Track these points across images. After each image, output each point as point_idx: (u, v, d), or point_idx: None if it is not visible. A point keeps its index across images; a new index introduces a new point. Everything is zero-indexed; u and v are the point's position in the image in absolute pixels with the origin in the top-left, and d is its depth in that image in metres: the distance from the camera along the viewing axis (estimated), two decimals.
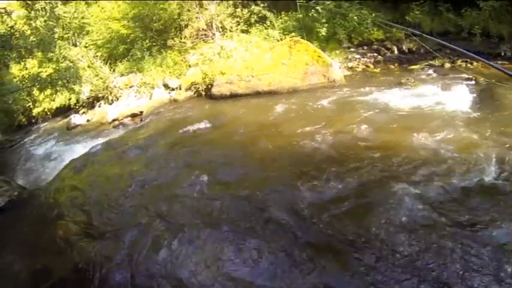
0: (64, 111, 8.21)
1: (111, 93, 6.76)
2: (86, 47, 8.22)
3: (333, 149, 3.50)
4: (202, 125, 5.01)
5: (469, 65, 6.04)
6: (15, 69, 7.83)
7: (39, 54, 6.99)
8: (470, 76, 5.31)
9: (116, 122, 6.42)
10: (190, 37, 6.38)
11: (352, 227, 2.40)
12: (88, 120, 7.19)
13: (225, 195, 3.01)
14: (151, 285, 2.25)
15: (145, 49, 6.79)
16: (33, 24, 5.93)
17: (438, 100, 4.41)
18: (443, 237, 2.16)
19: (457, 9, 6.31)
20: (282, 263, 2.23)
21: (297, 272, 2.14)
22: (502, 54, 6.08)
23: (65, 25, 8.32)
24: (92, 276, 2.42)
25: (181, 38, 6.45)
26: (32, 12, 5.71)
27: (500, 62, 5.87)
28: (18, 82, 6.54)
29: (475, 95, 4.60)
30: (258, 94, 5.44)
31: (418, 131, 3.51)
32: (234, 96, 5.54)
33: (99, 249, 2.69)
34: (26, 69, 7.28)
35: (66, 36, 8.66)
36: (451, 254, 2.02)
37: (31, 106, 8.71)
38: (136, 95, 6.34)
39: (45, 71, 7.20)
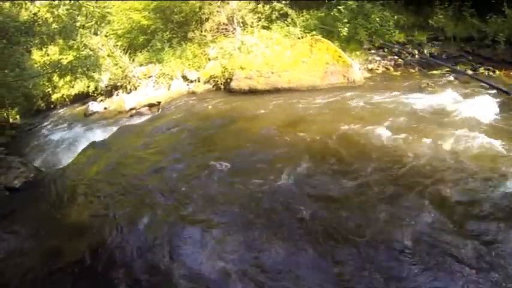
0: (82, 98, 8.36)
1: (129, 82, 6.87)
2: (106, 36, 8.32)
3: (349, 150, 3.51)
4: (220, 118, 5.06)
5: (491, 73, 5.94)
6: (36, 55, 7.99)
7: (61, 41, 7.10)
8: (492, 85, 5.24)
9: (133, 111, 6.52)
10: (210, 31, 6.42)
11: (363, 226, 2.39)
12: (105, 108, 7.32)
13: (238, 188, 3.02)
14: (162, 271, 2.28)
15: (165, 40, 6.87)
16: (56, 12, 6.04)
17: (457, 107, 4.37)
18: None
19: (482, 15, 6.17)
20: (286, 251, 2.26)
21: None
22: None
23: (87, 14, 8.46)
24: (103, 260, 2.47)
25: (201, 31, 6.50)
26: (55, 0, 5.83)
27: None
28: (39, 68, 6.69)
29: (495, 104, 4.53)
30: (277, 91, 5.46)
31: (434, 137, 3.52)
32: (252, 91, 5.57)
33: (111, 233, 2.73)
34: (48, 55, 7.44)
35: (87, 24, 8.81)
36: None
37: (50, 92, 8.88)
38: (155, 86, 6.42)
39: (66, 58, 7.32)
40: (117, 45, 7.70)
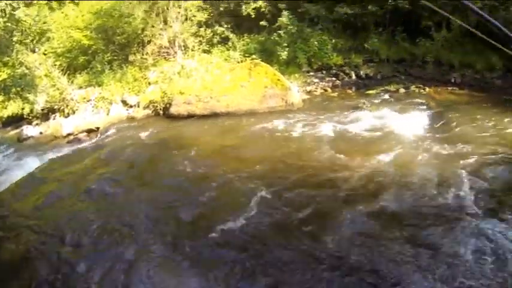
0: (16, 120, 7.67)
1: (67, 105, 6.47)
2: (44, 54, 7.81)
3: (288, 171, 3.63)
4: (157, 144, 4.99)
5: (422, 90, 6.55)
6: None
7: None
8: (422, 101, 5.77)
9: (71, 137, 6.14)
10: (152, 54, 6.30)
11: (301, 241, 2.53)
12: (41, 133, 6.79)
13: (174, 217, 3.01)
14: None
15: (106, 62, 6.61)
16: None
17: (392, 123, 4.75)
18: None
19: (412, 39, 6.80)
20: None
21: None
22: (452, 80, 6.67)
23: (24, 29, 7.91)
24: None
25: (143, 54, 6.36)
26: None
27: (450, 88, 6.46)
28: None
29: (426, 118, 5.00)
30: (215, 115, 5.49)
31: (370, 153, 3.79)
32: (191, 116, 5.55)
33: (47, 266, 2.60)
34: None
35: (25, 41, 8.22)
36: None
37: None
38: (94, 110, 6.12)
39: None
40: (55, 65, 7.23)
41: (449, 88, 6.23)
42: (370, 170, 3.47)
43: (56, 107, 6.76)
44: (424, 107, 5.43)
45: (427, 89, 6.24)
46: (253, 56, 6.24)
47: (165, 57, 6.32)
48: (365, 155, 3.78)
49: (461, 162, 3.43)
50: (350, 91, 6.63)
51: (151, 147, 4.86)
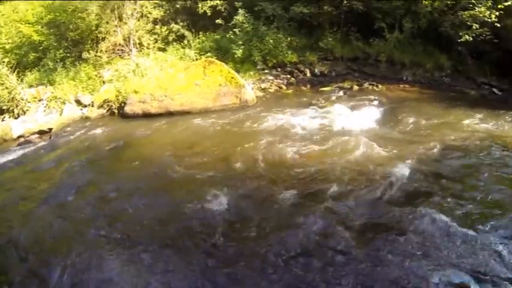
0: None
1: (17, 106, 6.21)
2: None
3: (240, 167, 3.78)
4: (112, 145, 5.00)
5: (375, 87, 6.98)
6: None
7: None
8: (376, 97, 6.18)
9: (22, 139, 5.93)
10: (106, 51, 6.21)
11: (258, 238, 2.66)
12: None
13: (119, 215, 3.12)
14: None
15: (58, 60, 6.40)
16: None
17: (345, 119, 5.01)
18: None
19: (366, 38, 7.20)
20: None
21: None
22: (404, 78, 7.20)
23: None
24: None
25: (97, 52, 6.24)
26: None
27: (402, 85, 6.94)
28: None
29: (378, 113, 5.34)
30: (170, 114, 5.60)
31: (323, 149, 3.97)
32: (146, 115, 5.61)
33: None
34: None
35: None
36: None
37: None
38: (46, 110, 5.96)
39: None
40: (3, 62, 6.87)
41: (401, 85, 6.65)
42: (316, 164, 3.65)
43: (4, 107, 6.45)
44: (377, 103, 5.77)
45: (380, 86, 6.63)
46: (209, 54, 6.36)
47: (119, 55, 6.25)
48: (314, 150, 3.98)
49: (407, 153, 3.73)
50: (305, 88, 6.92)
51: (106, 147, 4.88)
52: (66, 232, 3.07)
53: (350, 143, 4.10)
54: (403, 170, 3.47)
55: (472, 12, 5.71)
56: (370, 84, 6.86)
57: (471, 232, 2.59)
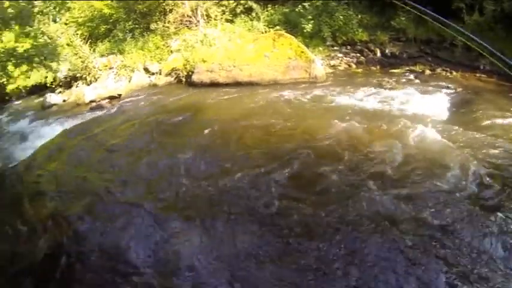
0: (40, 89, 7.85)
1: (89, 73, 6.53)
2: (66, 23, 7.86)
3: (307, 143, 3.53)
4: (180, 111, 4.97)
5: (448, 73, 6.26)
6: None
7: (17, 27, 6.65)
8: (449, 85, 5.53)
9: (93, 104, 6.23)
10: (174, 22, 6.23)
11: (321, 215, 2.43)
12: (64, 100, 6.93)
13: (197, 181, 2.97)
14: (123, 267, 2.22)
15: (127, 31, 6.60)
16: None
17: (415, 105, 4.56)
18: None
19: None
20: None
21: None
22: (481, 67, 6.33)
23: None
24: (61, 260, 2.37)
25: (165, 23, 6.30)
26: None
27: (478, 75, 6.13)
28: None
29: (451, 102, 4.76)
30: (238, 84, 5.43)
31: (390, 133, 3.60)
32: (214, 84, 5.51)
33: (69, 230, 2.64)
34: (1, 42, 6.91)
35: (46, 10, 8.27)
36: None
37: (5, 82, 8.27)
38: (116, 78, 6.16)
39: (22, 46, 6.85)
40: (77, 34, 7.29)
41: (477, 74, 5.82)
42: (387, 148, 3.29)
43: (78, 75, 6.85)
44: (450, 91, 5.15)
45: (454, 73, 5.94)
46: (277, 28, 6.09)
47: (187, 26, 6.24)
48: (385, 133, 3.62)
49: (482, 150, 3.21)
50: (374, 68, 6.42)
51: (173, 113, 4.83)
52: (125, 191, 3.00)
53: (418, 130, 3.60)
54: (473, 169, 2.86)
55: None
56: (443, 70, 6.15)
57: None
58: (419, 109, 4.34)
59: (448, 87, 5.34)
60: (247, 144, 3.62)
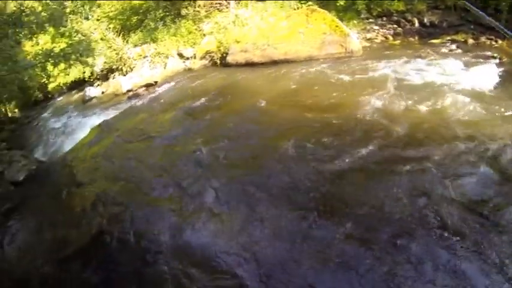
0: (79, 84, 8.27)
1: (124, 64, 6.77)
2: (98, 19, 8.16)
3: (345, 120, 3.45)
4: (217, 93, 5.00)
5: (493, 42, 5.77)
6: (28, 46, 7.85)
7: (51, 29, 6.98)
8: (494, 54, 5.10)
9: (131, 93, 6.45)
10: (204, 6, 6.26)
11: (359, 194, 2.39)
12: (103, 92, 7.24)
13: (237, 162, 3.00)
14: (167, 254, 2.27)
15: (158, 19, 6.72)
16: (43, 0, 5.92)
17: (458, 77, 4.28)
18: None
19: None
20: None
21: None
22: None
23: None
24: (107, 245, 2.50)
25: (195, 7, 6.34)
26: None
27: None
28: (32, 58, 6.58)
29: (497, 74, 4.40)
30: (273, 63, 5.37)
31: (433, 108, 3.44)
32: (249, 64, 5.49)
33: (114, 216, 2.75)
34: (38, 44, 7.31)
35: (77, 9, 8.63)
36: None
37: (46, 82, 8.79)
38: (150, 65, 6.33)
39: (58, 46, 7.21)
40: (109, 28, 7.55)
41: None
42: (432, 123, 3.15)
43: (114, 66, 7.12)
44: (496, 61, 4.73)
45: (500, 41, 5.44)
46: (310, 3, 5.92)
47: (218, 9, 6.25)
48: (427, 107, 3.43)
49: None
50: (413, 39, 6.05)
51: (209, 94, 4.85)
52: (162, 178, 3.03)
53: (463, 103, 3.40)
54: None
55: None
56: (487, 39, 5.65)
57: None
58: (464, 82, 4.03)
59: (493, 57, 4.92)
60: (289, 121, 3.57)
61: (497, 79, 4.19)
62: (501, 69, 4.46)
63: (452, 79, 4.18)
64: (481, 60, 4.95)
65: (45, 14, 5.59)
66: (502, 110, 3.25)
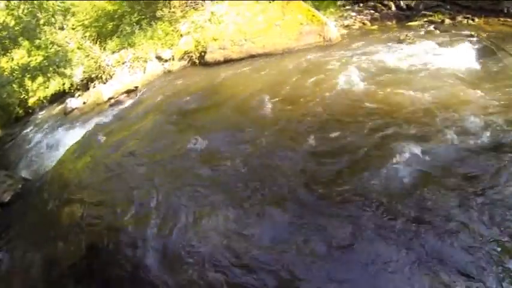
0: (60, 96, 8.07)
1: (104, 72, 6.63)
2: (73, 28, 7.96)
3: (328, 108, 3.47)
4: (198, 93, 4.95)
5: (470, 21, 5.82)
6: (3, 62, 7.62)
7: (26, 43, 6.78)
8: (472, 32, 5.15)
9: (112, 101, 6.33)
10: (180, 6, 6.16)
11: (349, 181, 2.43)
12: (84, 103, 7.09)
13: (221, 162, 3.00)
14: (161, 261, 2.27)
15: (134, 23, 6.59)
16: (16, 14, 5.72)
17: (436, 57, 4.31)
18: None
19: None
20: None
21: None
22: (505, 11, 5.83)
23: (47, 9, 8.04)
24: (97, 260, 2.49)
25: (170, 8, 6.24)
26: (12, 1, 5.50)
27: (502, 19, 5.65)
28: (8, 74, 6.38)
29: (475, 52, 4.46)
30: (252, 57, 5.32)
31: (413, 89, 3.45)
32: (228, 61, 5.43)
33: (104, 229, 2.73)
34: (13, 60, 7.09)
35: (50, 20, 8.41)
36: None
37: (26, 97, 8.57)
38: (130, 71, 6.22)
39: (35, 59, 7.01)
40: (85, 37, 7.37)
41: (501, 19, 5.41)
42: (413, 107, 3.18)
43: (93, 75, 6.96)
44: (474, 39, 4.80)
45: (476, 19, 5.54)
46: None
47: (193, 7, 6.15)
48: (407, 90, 3.45)
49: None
50: (390, 23, 6.06)
51: (189, 94, 4.81)
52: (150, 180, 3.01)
53: (442, 84, 3.44)
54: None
55: None
56: (464, 18, 5.71)
57: None
58: (442, 63, 4.05)
59: (471, 36, 4.97)
60: (270, 115, 3.57)
61: (476, 58, 4.22)
62: (478, 47, 4.53)
63: (431, 61, 4.19)
64: (459, 39, 4.99)
65: (18, 28, 5.42)
66: (481, 85, 3.29)
